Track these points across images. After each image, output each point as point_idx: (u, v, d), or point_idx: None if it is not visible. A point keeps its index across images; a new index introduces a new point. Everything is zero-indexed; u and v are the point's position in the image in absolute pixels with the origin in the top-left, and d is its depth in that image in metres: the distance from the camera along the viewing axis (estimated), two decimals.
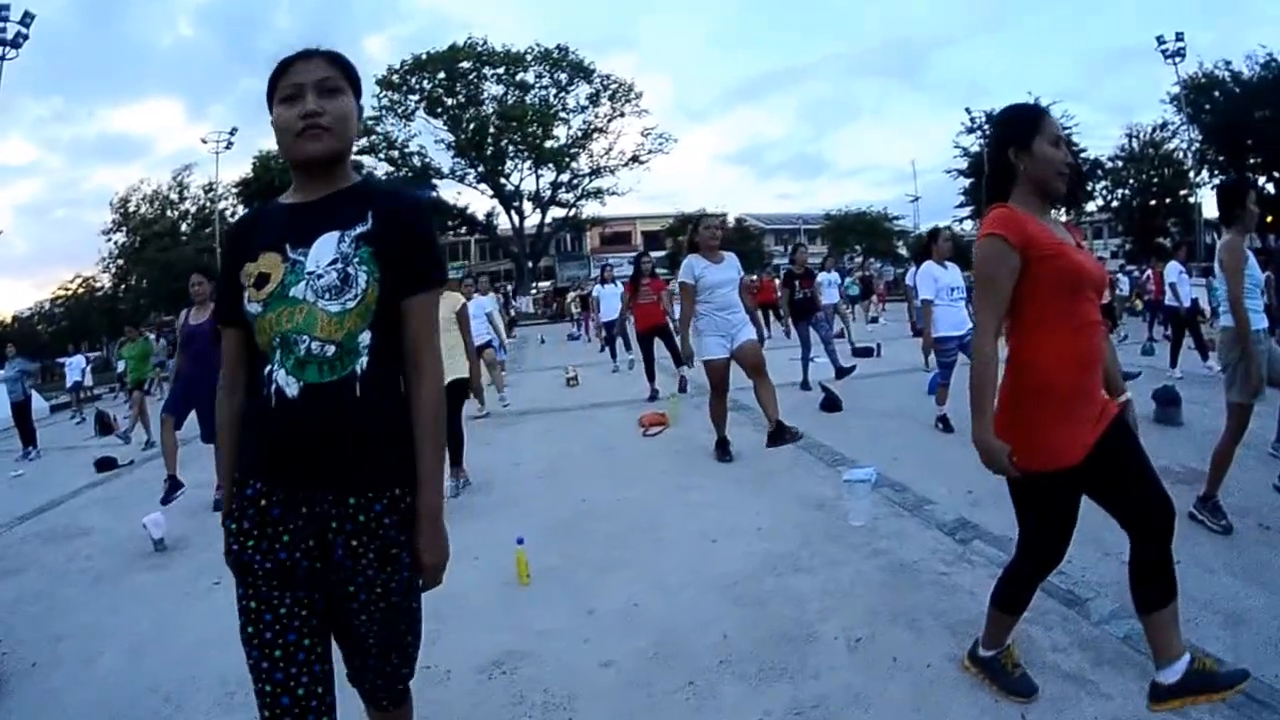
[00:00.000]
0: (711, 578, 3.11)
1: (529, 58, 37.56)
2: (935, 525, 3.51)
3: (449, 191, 39.70)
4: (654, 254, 11.24)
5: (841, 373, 7.88)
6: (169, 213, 38.10)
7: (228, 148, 33.63)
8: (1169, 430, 5.12)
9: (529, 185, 39.63)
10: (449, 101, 36.95)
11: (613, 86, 38.69)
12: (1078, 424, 1.82)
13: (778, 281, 12.32)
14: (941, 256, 5.67)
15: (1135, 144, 34.51)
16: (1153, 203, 34.18)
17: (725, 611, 2.80)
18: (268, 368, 1.33)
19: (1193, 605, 2.50)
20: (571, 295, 28.03)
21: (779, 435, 4.64)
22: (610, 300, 10.82)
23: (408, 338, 1.39)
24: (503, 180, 39.06)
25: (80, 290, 40.20)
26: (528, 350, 17.26)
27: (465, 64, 36.57)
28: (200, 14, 75.87)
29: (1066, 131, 29.12)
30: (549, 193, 39.71)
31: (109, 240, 38.51)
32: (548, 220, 40.95)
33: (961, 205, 34.79)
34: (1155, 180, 33.97)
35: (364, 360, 1.33)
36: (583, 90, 38.71)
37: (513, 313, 26.97)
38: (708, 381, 5.07)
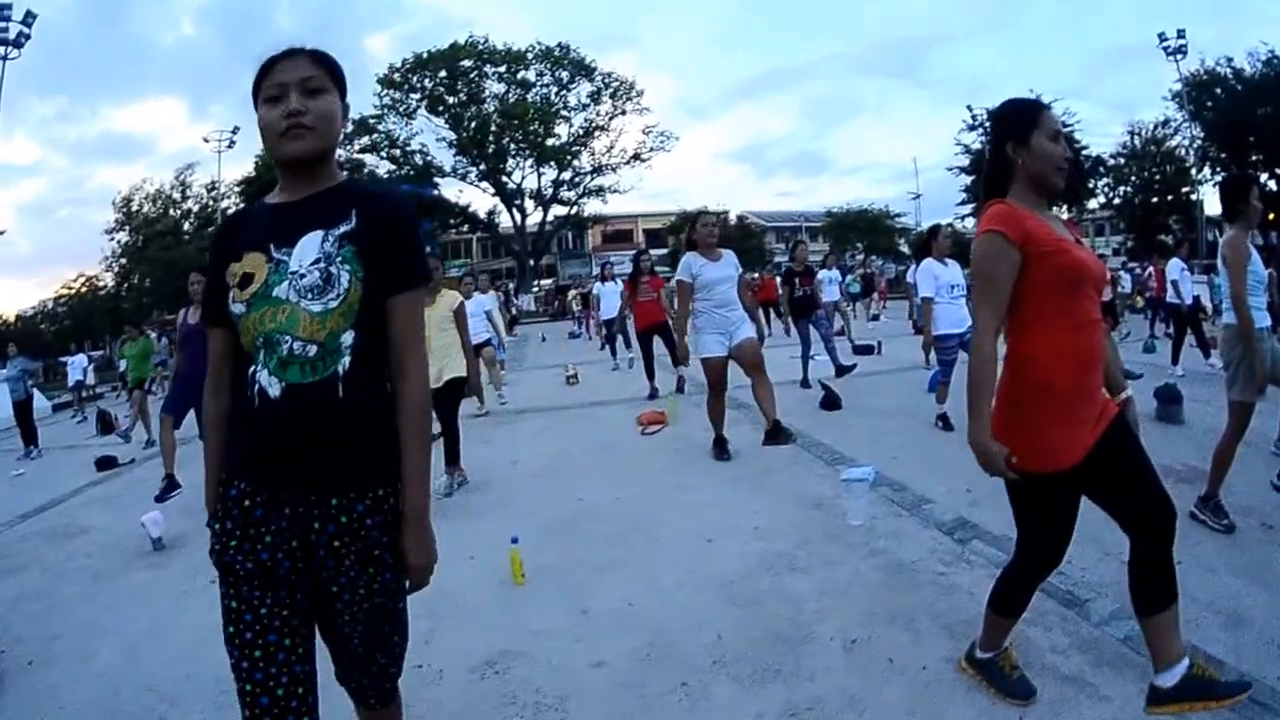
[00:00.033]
0: (707, 577, 3.09)
1: (530, 56, 37.55)
2: (934, 525, 3.48)
3: (451, 190, 39.83)
4: (655, 252, 11.21)
5: (841, 371, 7.86)
6: (172, 212, 38.17)
7: (230, 146, 33.77)
8: (1170, 428, 5.09)
9: (530, 183, 39.70)
10: (450, 100, 36.93)
11: (614, 84, 38.71)
12: (1077, 424, 1.79)
13: (778, 279, 12.28)
14: (941, 253, 5.64)
15: (1137, 141, 34.50)
16: (1154, 200, 34.13)
17: (720, 612, 2.78)
18: (251, 368, 1.34)
19: (1194, 605, 2.47)
20: (573, 293, 28.04)
21: (775, 434, 4.62)
22: (610, 298, 10.80)
23: (393, 337, 1.38)
24: (504, 178, 39.05)
25: (83, 289, 40.36)
26: (529, 348, 17.26)
27: (466, 62, 36.56)
28: (202, 13, 75.98)
29: (1068, 128, 28.99)
30: (550, 191, 39.71)
31: (112, 239, 38.68)
32: (549, 218, 40.93)
33: (963, 202, 34.74)
34: (1157, 177, 33.93)
35: (346, 360, 1.32)
36: (584, 88, 38.76)
37: (514, 311, 26.97)
38: (705, 380, 5.05)
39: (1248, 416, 3.24)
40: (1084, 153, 30.60)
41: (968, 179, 33.81)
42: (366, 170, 35.14)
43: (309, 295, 1.31)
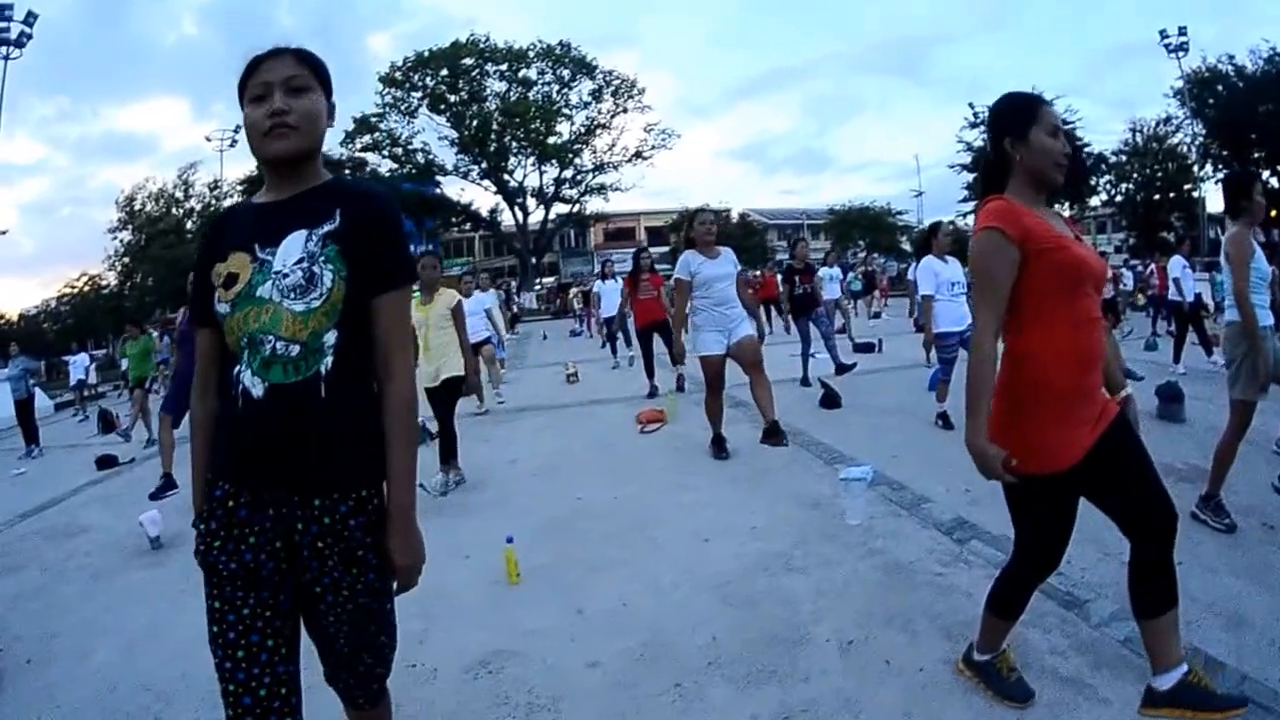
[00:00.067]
0: (703, 578, 3.07)
1: (531, 54, 37.43)
2: (932, 524, 3.46)
3: (452, 188, 39.75)
4: (657, 249, 11.18)
5: (841, 369, 7.82)
6: (174, 210, 38.20)
7: (232, 145, 33.85)
8: (1172, 427, 5.05)
9: (532, 181, 39.56)
10: (452, 98, 36.84)
11: (615, 82, 38.56)
12: (1076, 425, 1.76)
13: (779, 277, 12.24)
14: (942, 251, 5.60)
15: (1139, 138, 34.39)
16: (1156, 197, 34.05)
17: (716, 612, 2.76)
18: (236, 368, 1.34)
19: (1195, 606, 2.45)
20: (574, 291, 28.01)
21: (773, 434, 4.58)
22: (610, 296, 10.76)
23: (378, 337, 1.38)
24: (506, 177, 38.97)
25: (86, 288, 40.42)
26: (530, 346, 17.24)
27: (468, 60, 36.46)
28: (203, 12, 76.03)
29: (1070, 126, 28.80)
30: (552, 189, 39.60)
31: (114, 238, 38.70)
32: (551, 216, 40.87)
33: (965, 200, 34.64)
34: (1159, 175, 33.86)
35: (329, 360, 1.32)
36: (585, 86, 38.60)
37: (515, 309, 26.96)
38: (703, 378, 5.03)
39: (1249, 415, 3.21)
40: (1086, 150, 30.53)
41: (969, 176, 33.73)
42: (368, 169, 35.15)
43: (292, 295, 1.31)
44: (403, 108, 36.86)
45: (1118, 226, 39.59)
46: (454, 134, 37.33)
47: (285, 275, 1.32)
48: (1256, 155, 27.94)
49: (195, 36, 76.44)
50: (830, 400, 6.55)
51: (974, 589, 2.67)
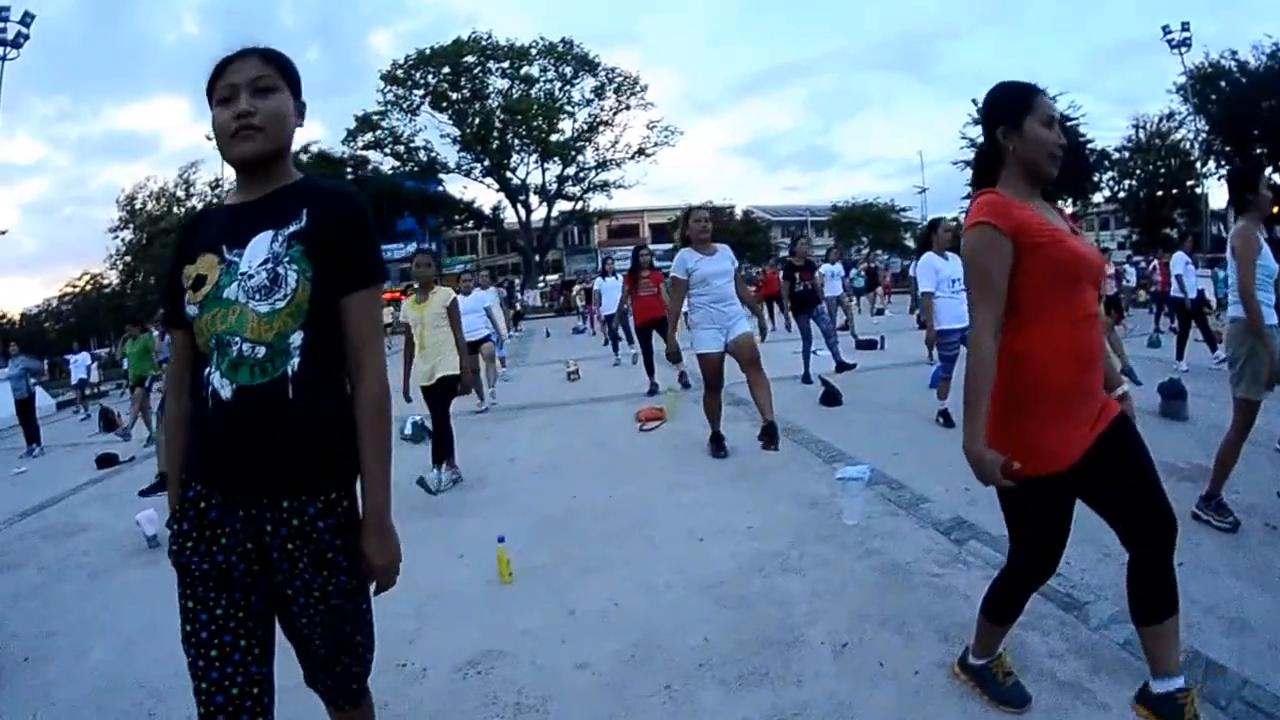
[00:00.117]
0: (697, 578, 3.04)
1: (534, 51, 37.37)
2: (930, 524, 3.42)
3: (455, 186, 39.74)
4: (660, 246, 11.14)
5: (842, 367, 7.78)
6: (176, 209, 38.25)
7: None
8: (1174, 425, 5.00)
9: (535, 179, 39.51)
10: (454, 96, 36.79)
11: (618, 80, 38.46)
12: (1075, 425, 1.71)
13: (781, 274, 12.21)
14: (942, 247, 5.55)
15: (1142, 134, 34.25)
16: (1159, 194, 33.93)
17: (709, 613, 2.73)
18: (206, 369, 1.34)
19: (1195, 609, 2.41)
20: (576, 288, 28.00)
21: (767, 435, 4.52)
22: (611, 293, 10.73)
23: (348, 337, 1.37)
24: (509, 174, 38.91)
25: (88, 287, 40.54)
26: (533, 343, 17.25)
27: (470, 58, 36.39)
28: (204, 11, 76.35)
29: (1073, 122, 28.61)
30: (555, 186, 39.54)
31: (116, 237, 38.88)
32: (554, 214, 40.83)
33: (968, 196, 34.46)
34: (1162, 171, 33.72)
35: (296, 361, 1.32)
36: (588, 83, 38.49)
37: (518, 306, 26.96)
38: (702, 376, 5.00)
39: (1253, 414, 3.15)
40: (1089, 146, 30.37)
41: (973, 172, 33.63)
42: (370, 167, 35.14)
43: (256, 296, 1.31)
44: (405, 105, 36.82)
45: (1121, 223, 39.48)
46: (456, 131, 37.29)
47: (251, 276, 1.32)
48: (1259, 151, 27.75)
49: (196, 36, 76.66)
50: (831, 398, 6.52)
51: (971, 590, 2.63)
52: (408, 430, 6.54)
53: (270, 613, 1.38)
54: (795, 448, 4.99)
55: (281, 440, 1.30)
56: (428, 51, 35.98)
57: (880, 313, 18.22)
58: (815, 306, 8.18)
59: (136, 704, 2.47)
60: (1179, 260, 8.31)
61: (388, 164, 36.85)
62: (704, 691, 2.23)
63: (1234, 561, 2.82)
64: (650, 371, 7.99)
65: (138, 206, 38.45)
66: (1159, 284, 11.65)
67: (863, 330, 11.99)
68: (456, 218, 41.26)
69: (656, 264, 8.49)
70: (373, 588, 1.42)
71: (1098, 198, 36.06)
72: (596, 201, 40.57)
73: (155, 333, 12.44)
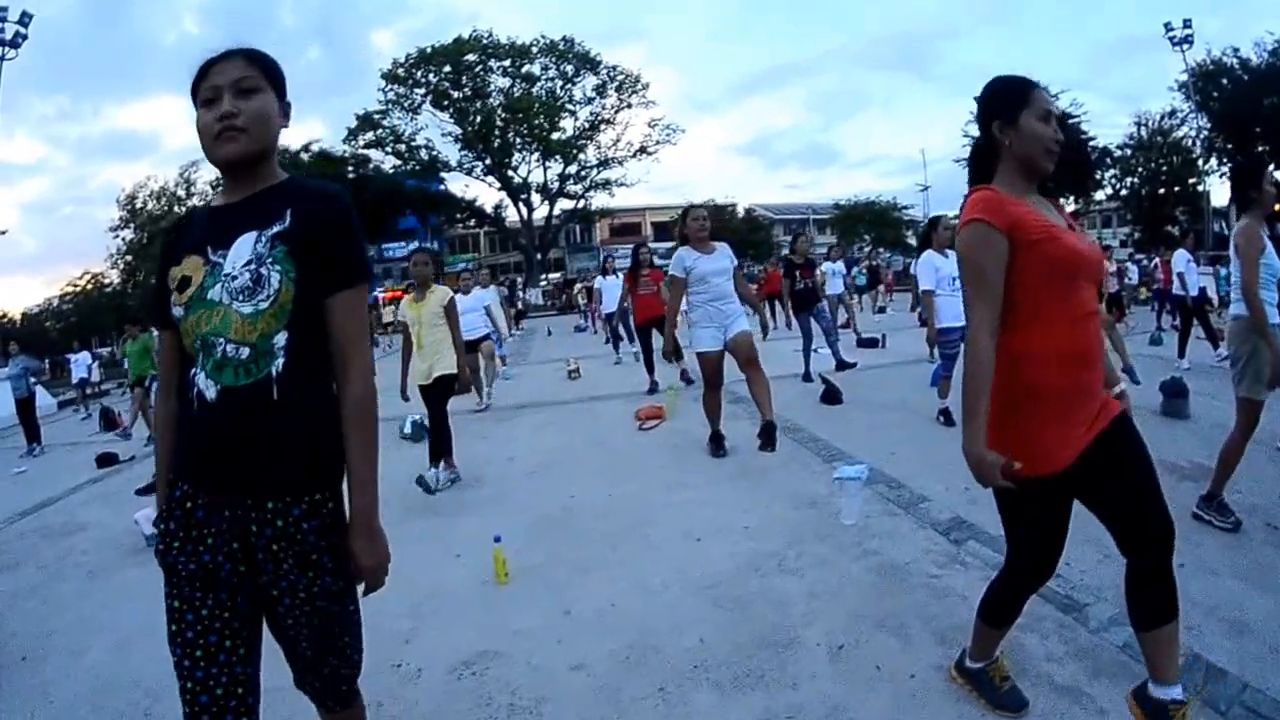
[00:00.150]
0: (694, 578, 3.02)
1: (535, 50, 37.29)
2: (929, 524, 3.39)
3: (456, 184, 39.63)
4: (663, 244, 11.12)
5: (842, 366, 7.74)
6: (176, 209, 38.26)
7: None
8: (1176, 424, 4.97)
9: (537, 177, 39.42)
10: (455, 94, 36.70)
11: (619, 78, 38.37)
12: (1073, 425, 1.67)
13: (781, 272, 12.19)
14: (942, 245, 5.52)
15: (1144, 132, 34.10)
16: (1161, 191, 33.81)
17: (704, 614, 2.71)
18: (192, 370, 1.35)
19: (1195, 610, 2.38)
20: (578, 287, 27.98)
21: (765, 435, 4.48)
22: (611, 292, 10.72)
23: (333, 337, 1.37)
24: (510, 172, 38.83)
25: (89, 287, 40.59)
26: (534, 342, 17.24)
27: (471, 57, 36.29)
28: (205, 11, 76.40)
29: (1075, 120, 28.36)
30: (557, 184, 39.48)
31: (117, 237, 38.86)
32: (556, 212, 40.80)
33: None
34: (1164, 168, 33.60)
35: (280, 362, 1.32)
36: (589, 82, 38.39)
37: (520, 305, 26.94)
38: (701, 374, 4.98)
39: (1257, 414, 3.11)
40: (1091, 144, 30.24)
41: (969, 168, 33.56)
42: (372, 165, 35.11)
43: (240, 297, 1.31)
44: (406, 104, 36.75)
45: (1123, 221, 39.37)
46: (457, 130, 37.21)
47: (234, 277, 1.32)
48: (1261, 148, 27.60)
49: (197, 35, 76.74)
50: (831, 396, 6.49)
51: (969, 591, 2.61)
52: (407, 429, 6.54)
53: (256, 613, 1.38)
54: (795, 446, 4.97)
55: (266, 441, 1.31)
56: (429, 50, 35.89)
57: (882, 311, 18.18)
58: (816, 304, 8.14)
59: (133, 703, 2.48)
60: (1181, 258, 8.28)
61: (389, 163, 36.79)
62: (698, 694, 2.21)
63: (1235, 562, 2.79)
64: (650, 370, 7.97)
65: (138, 206, 38.44)
66: (1161, 282, 11.61)
67: (865, 328, 11.96)
68: (458, 216, 41.22)
69: (657, 262, 8.47)
70: (361, 589, 1.42)
71: (1100, 195, 35.97)
72: (598, 200, 40.55)
73: (156, 332, 12.45)
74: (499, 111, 36.78)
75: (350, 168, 33.88)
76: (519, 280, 37.14)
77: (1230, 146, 29.23)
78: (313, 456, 1.35)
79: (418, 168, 36.91)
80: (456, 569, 3.39)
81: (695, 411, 5.45)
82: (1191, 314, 8.11)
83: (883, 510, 3.64)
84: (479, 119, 36.61)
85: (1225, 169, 29.67)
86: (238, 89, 1.34)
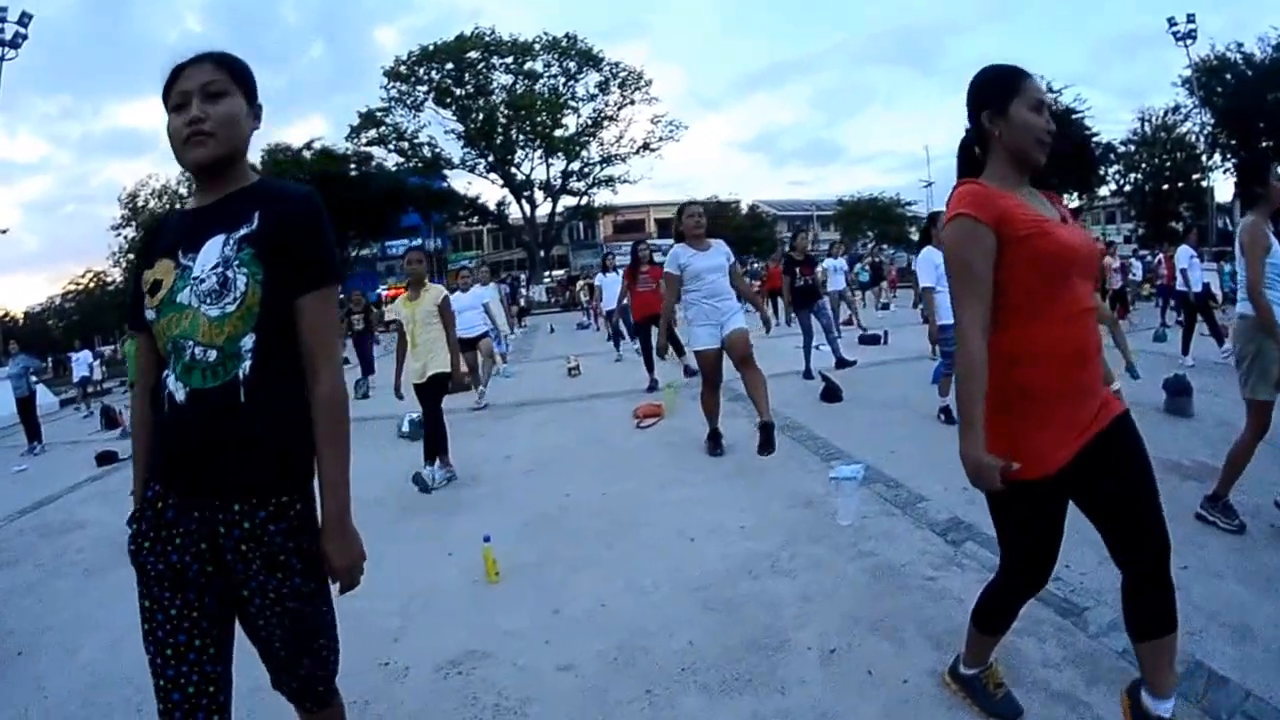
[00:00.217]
0: (686, 579, 2.98)
1: (537, 47, 37.23)
2: (926, 525, 3.34)
3: (459, 181, 39.59)
4: (664, 241, 11.07)
5: (842, 364, 7.68)
6: (178, 206, 38.30)
7: None
8: (1179, 422, 4.90)
9: (539, 174, 39.40)
10: (458, 92, 36.66)
11: (622, 74, 38.29)
12: (1070, 427, 1.61)
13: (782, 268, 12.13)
14: (941, 242, 5.47)
15: (1147, 128, 33.85)
16: (1165, 187, 33.61)
17: (695, 616, 2.67)
18: (164, 373, 1.37)
19: (1198, 615, 2.33)
20: (580, 284, 27.93)
21: (763, 435, 4.43)
22: (612, 289, 10.68)
23: (302, 338, 1.37)
24: (513, 170, 38.79)
25: (91, 285, 40.70)
26: (536, 339, 17.23)
27: (473, 54, 36.24)
28: (207, 9, 76.31)
29: (1078, 116, 28.12)
30: (560, 181, 39.45)
31: (119, 235, 38.97)
32: (559, 209, 40.76)
33: None
34: (1168, 164, 33.38)
35: (248, 365, 1.32)
36: (592, 78, 38.31)
37: (522, 302, 26.90)
38: (700, 372, 4.93)
39: (1268, 415, 3.03)
40: (1094, 140, 30.03)
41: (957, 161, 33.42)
42: (374, 163, 35.10)
43: (207, 300, 1.32)
44: (408, 102, 36.75)
45: (1127, 216, 39.17)
46: (460, 127, 37.18)
47: (202, 280, 1.33)
48: (1265, 144, 27.42)
49: (198, 34, 76.56)
50: (831, 394, 6.44)
51: (966, 594, 2.56)
52: (405, 428, 6.52)
53: (227, 613, 1.38)
54: (793, 445, 4.92)
55: (233, 444, 1.31)
56: (431, 47, 35.87)
57: (885, 307, 18.12)
58: (816, 301, 8.07)
59: (124, 699, 2.49)
60: (1184, 254, 8.18)
61: (392, 160, 36.76)
62: (685, 697, 2.17)
63: (1239, 566, 2.72)
64: (650, 368, 7.92)
65: (140, 204, 38.59)
66: (1164, 278, 11.51)
67: (868, 325, 11.91)
68: (461, 213, 41.23)
69: (658, 259, 8.42)
70: (336, 588, 1.41)
71: (1103, 191, 35.80)
72: (601, 197, 40.49)
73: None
74: (501, 108, 36.74)
75: (353, 165, 33.86)
76: (522, 277, 37.09)
77: (1234, 142, 29.06)
78: (281, 459, 1.35)
79: (420, 165, 36.90)
80: (448, 567, 3.37)
81: (693, 410, 5.41)
82: (1195, 310, 8.02)
83: (880, 510, 3.59)
84: (481, 116, 36.58)
85: (1229, 165, 29.50)
86: (206, 93, 1.35)
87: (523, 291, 30.13)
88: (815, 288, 8.20)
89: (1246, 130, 28.11)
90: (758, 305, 5.54)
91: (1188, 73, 29.69)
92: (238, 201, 1.37)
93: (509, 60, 37.08)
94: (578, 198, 40.45)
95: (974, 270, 1.59)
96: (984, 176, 1.69)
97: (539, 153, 38.67)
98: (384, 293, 34.95)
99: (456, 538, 3.71)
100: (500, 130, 37.08)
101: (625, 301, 9.50)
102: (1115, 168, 34.37)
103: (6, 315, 42.06)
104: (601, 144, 39.14)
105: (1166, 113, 32.94)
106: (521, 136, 37.68)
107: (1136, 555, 1.63)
